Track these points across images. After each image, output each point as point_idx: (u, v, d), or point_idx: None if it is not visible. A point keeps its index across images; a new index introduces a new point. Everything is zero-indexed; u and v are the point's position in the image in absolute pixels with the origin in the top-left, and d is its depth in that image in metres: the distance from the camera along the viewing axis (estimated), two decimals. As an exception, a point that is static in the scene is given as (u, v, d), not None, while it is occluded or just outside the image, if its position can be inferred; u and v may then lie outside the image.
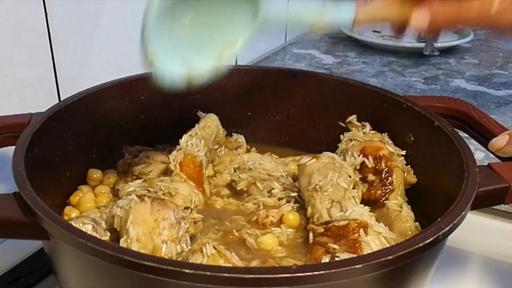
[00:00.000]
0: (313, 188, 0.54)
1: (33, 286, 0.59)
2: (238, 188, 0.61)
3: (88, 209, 0.56)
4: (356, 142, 0.61)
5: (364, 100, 0.65)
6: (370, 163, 0.58)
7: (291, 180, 0.61)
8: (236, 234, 0.54)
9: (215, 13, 0.52)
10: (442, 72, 1.21)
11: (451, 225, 0.40)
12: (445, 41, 1.35)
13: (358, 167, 0.58)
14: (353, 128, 0.65)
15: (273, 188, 0.59)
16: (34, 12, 0.64)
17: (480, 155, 0.80)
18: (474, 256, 0.66)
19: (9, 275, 0.60)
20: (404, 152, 0.60)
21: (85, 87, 0.61)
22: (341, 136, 0.64)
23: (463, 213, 0.42)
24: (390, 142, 0.61)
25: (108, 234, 0.48)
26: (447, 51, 1.32)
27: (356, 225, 0.48)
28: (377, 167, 0.57)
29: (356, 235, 0.47)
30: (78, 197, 0.59)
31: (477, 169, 0.47)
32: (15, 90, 0.64)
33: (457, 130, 0.56)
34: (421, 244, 0.38)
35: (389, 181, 0.57)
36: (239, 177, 0.61)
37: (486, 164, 0.50)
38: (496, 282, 0.62)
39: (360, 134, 0.62)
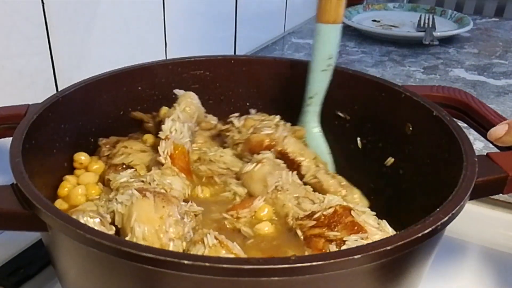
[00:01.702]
0: (274, 190, 0.54)
1: (33, 277, 0.59)
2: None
3: (79, 202, 0.54)
4: (240, 145, 0.61)
5: (363, 90, 0.64)
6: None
7: None
8: (228, 226, 0.52)
9: None
10: (442, 62, 1.20)
11: (450, 215, 0.40)
12: (444, 30, 1.34)
13: None
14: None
15: (231, 183, 0.58)
16: (30, 1, 0.63)
17: (479, 145, 0.80)
18: (473, 246, 0.66)
19: (8, 266, 0.60)
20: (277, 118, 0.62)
21: (83, 78, 0.61)
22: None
23: (462, 203, 0.42)
24: (265, 121, 0.62)
25: (114, 228, 0.47)
26: (446, 41, 1.32)
27: (342, 210, 0.48)
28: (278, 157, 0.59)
29: (349, 218, 0.47)
30: (66, 189, 0.56)
31: (475, 159, 0.47)
32: (12, 81, 0.64)
33: (456, 119, 0.56)
34: (420, 234, 0.38)
35: (289, 159, 0.58)
36: (198, 168, 0.60)
37: (485, 154, 0.49)
38: (494, 272, 0.62)
39: (235, 136, 0.62)
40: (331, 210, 0.48)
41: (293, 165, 0.58)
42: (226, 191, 0.58)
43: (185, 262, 0.34)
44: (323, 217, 0.48)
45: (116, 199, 0.48)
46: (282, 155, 0.59)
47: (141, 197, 0.47)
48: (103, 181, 0.58)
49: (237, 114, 0.66)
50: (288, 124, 0.64)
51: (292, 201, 0.53)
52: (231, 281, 0.35)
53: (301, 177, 0.58)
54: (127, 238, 0.45)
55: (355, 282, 0.39)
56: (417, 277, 0.45)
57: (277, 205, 0.54)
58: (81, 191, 0.55)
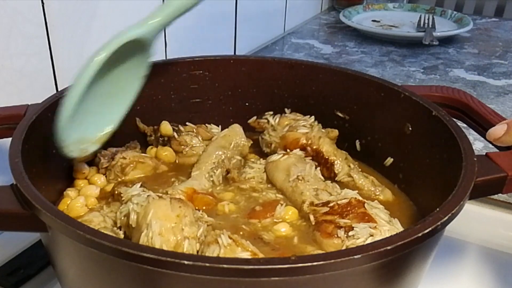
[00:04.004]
0: (295, 179, 0.56)
1: (32, 277, 0.59)
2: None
3: (79, 213, 0.54)
4: (274, 141, 0.63)
5: (362, 90, 0.64)
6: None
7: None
8: (246, 229, 0.52)
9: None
10: (442, 62, 1.20)
11: (450, 214, 0.40)
12: (444, 30, 1.34)
13: None
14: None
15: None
16: (30, 1, 0.63)
17: (479, 145, 0.80)
18: (472, 246, 0.66)
19: (8, 266, 0.60)
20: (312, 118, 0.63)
21: (82, 78, 0.61)
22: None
23: (461, 202, 0.42)
24: (300, 121, 0.63)
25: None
26: (446, 41, 1.32)
27: (357, 202, 0.50)
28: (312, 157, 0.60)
29: (361, 209, 0.49)
30: (66, 206, 0.55)
31: (475, 159, 0.47)
32: (12, 81, 0.64)
33: (455, 119, 0.56)
34: (419, 234, 0.38)
35: (323, 158, 0.60)
36: (240, 187, 0.60)
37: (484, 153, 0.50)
38: (494, 272, 0.62)
39: (270, 133, 0.64)
40: (345, 201, 0.51)
41: (326, 164, 0.60)
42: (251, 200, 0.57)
43: (185, 262, 0.34)
44: (337, 206, 0.50)
45: (131, 201, 0.48)
46: (317, 154, 0.61)
47: (158, 198, 0.47)
48: (112, 194, 0.57)
49: (271, 112, 0.67)
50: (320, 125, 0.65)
51: (311, 191, 0.55)
52: (231, 281, 0.35)
53: (333, 175, 0.60)
54: (143, 234, 0.45)
55: (355, 282, 0.39)
56: (417, 277, 0.45)
57: (296, 193, 0.56)
58: (81, 202, 0.55)
